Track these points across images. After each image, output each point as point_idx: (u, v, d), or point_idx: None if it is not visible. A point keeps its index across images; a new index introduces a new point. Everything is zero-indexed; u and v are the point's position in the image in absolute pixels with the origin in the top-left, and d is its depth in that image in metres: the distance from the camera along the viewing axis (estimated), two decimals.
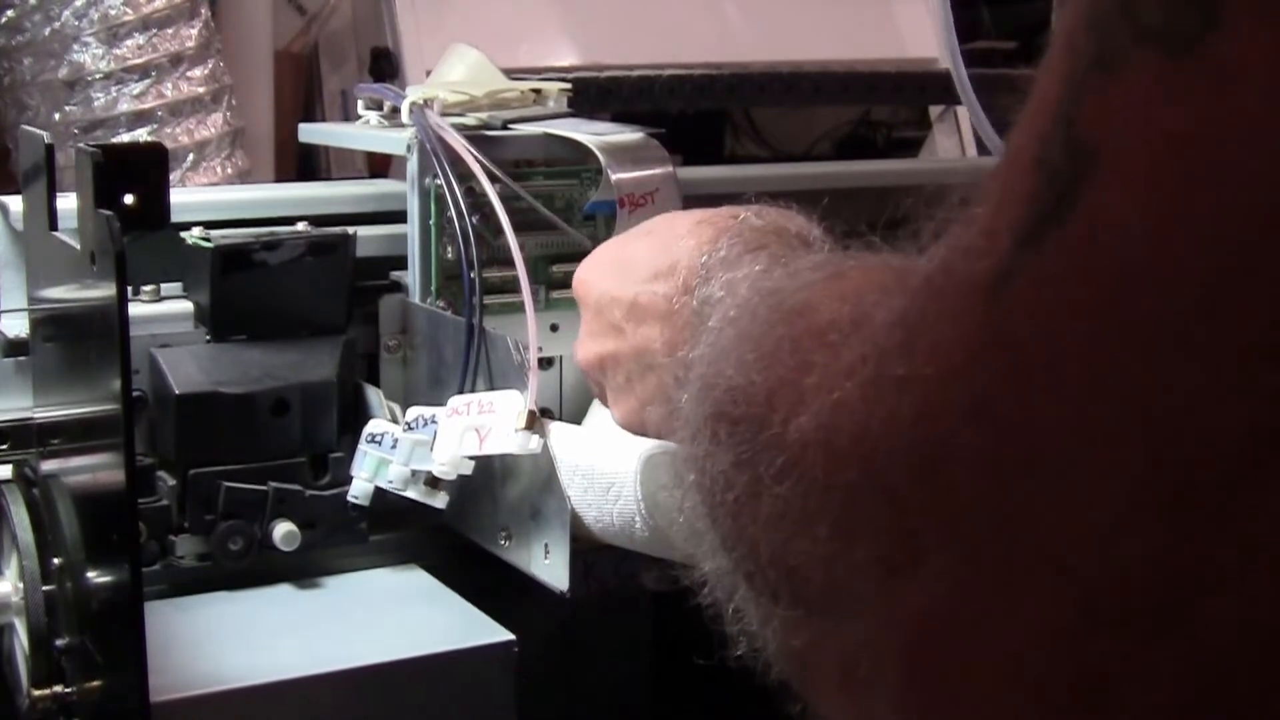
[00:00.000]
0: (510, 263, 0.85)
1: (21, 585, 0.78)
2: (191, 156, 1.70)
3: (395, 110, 0.96)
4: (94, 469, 0.74)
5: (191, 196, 1.03)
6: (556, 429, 0.81)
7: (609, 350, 0.75)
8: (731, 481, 0.42)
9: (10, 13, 1.64)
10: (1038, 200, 0.32)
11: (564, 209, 0.93)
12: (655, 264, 0.70)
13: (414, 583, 0.91)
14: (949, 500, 0.33)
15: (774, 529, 0.40)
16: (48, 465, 0.84)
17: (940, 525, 0.33)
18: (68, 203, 0.78)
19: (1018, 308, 0.32)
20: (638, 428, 0.75)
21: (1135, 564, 0.30)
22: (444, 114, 0.91)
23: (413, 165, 0.90)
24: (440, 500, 0.84)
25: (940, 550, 0.33)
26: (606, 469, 0.76)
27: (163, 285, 0.91)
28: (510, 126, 0.93)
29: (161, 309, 0.90)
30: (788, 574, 0.40)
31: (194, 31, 1.70)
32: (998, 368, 0.32)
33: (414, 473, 0.84)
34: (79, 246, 0.73)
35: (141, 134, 1.65)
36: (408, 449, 0.84)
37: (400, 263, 0.94)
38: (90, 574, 0.74)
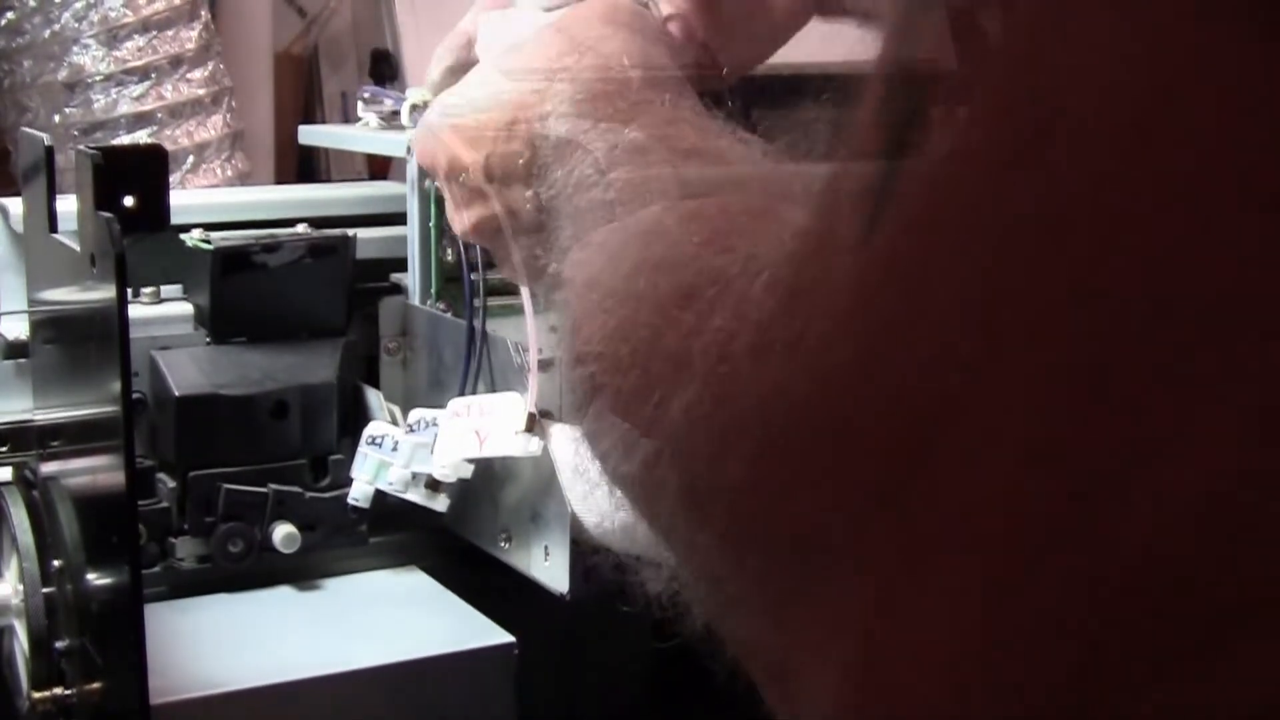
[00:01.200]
0: None
1: (21, 587, 0.78)
2: (191, 158, 1.70)
3: (395, 112, 0.96)
4: (94, 471, 0.74)
5: (191, 198, 1.03)
6: (557, 431, 0.81)
7: (482, 218, 0.71)
8: (618, 460, 0.39)
9: (10, 14, 1.64)
10: (888, 127, 0.31)
11: None
12: (495, 119, 0.66)
13: (414, 585, 0.91)
14: (852, 474, 0.31)
15: (673, 519, 0.37)
16: (48, 467, 0.84)
17: (846, 505, 0.31)
18: (68, 205, 0.78)
19: (887, 256, 0.31)
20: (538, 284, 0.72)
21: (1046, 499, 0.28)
22: None
23: (413, 167, 0.90)
24: (441, 503, 0.84)
25: (851, 534, 0.31)
26: None
27: (163, 287, 0.91)
28: None
29: (161, 311, 0.90)
30: (696, 570, 0.38)
31: (194, 33, 1.70)
32: (881, 316, 0.31)
33: (414, 475, 0.84)
34: (79, 248, 0.73)
35: (141, 136, 1.65)
36: (408, 451, 0.84)
37: (400, 265, 0.94)
38: (90, 576, 0.74)
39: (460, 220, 0.73)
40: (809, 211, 0.34)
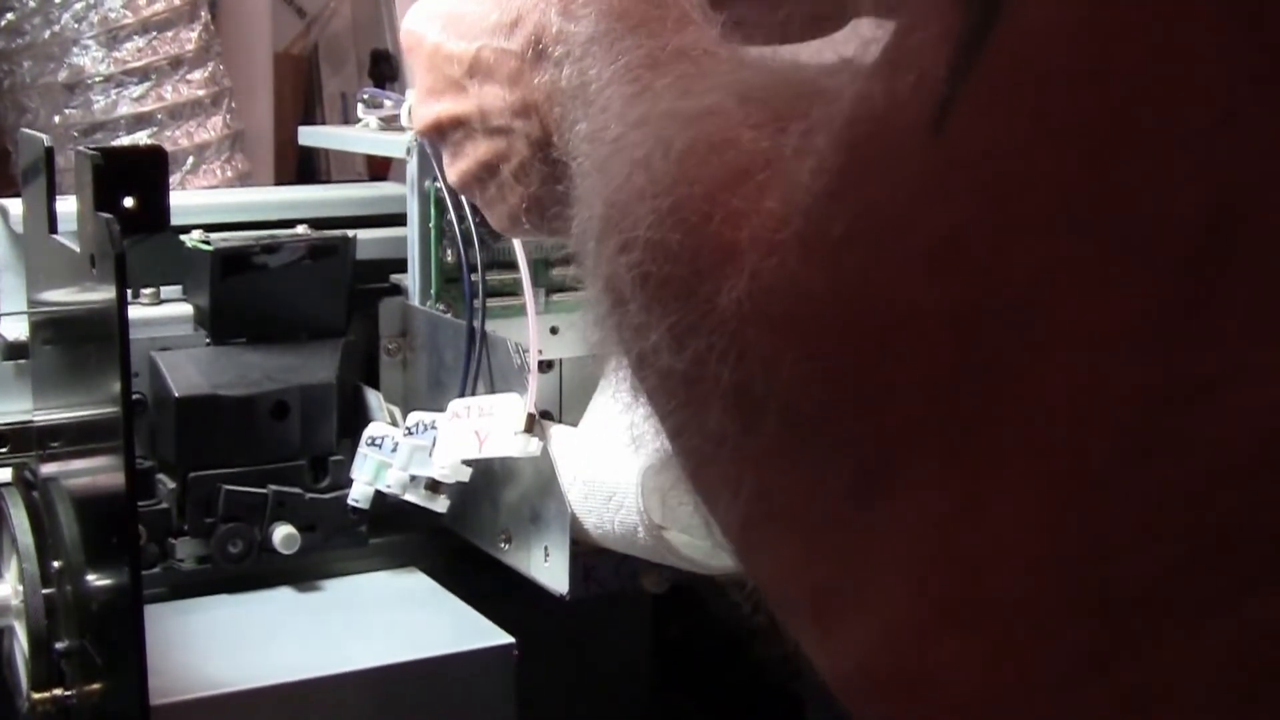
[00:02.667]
0: (509, 265, 0.85)
1: (21, 588, 0.78)
2: (191, 159, 1.70)
3: (395, 113, 0.96)
4: (94, 472, 0.74)
5: (191, 199, 1.03)
6: (557, 432, 0.81)
7: (449, 112, 0.66)
8: (663, 354, 0.36)
9: (10, 15, 1.64)
10: (960, 17, 0.29)
11: None
12: (496, 15, 0.62)
13: (414, 586, 0.91)
14: (920, 376, 0.29)
15: (722, 422, 0.34)
16: (48, 468, 0.84)
17: (912, 408, 0.29)
18: (67, 206, 0.78)
19: (963, 142, 0.29)
20: (471, 191, 0.68)
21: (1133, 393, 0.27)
22: None
23: (413, 168, 0.90)
24: (440, 505, 0.85)
25: (920, 447, 0.30)
26: (608, 478, 0.76)
27: (162, 288, 0.91)
28: None
29: (161, 312, 0.90)
30: (741, 481, 0.35)
31: (194, 34, 1.70)
32: (955, 209, 0.29)
33: (414, 476, 0.84)
34: (79, 249, 0.73)
35: (141, 137, 1.65)
36: (407, 453, 0.84)
37: (400, 266, 0.94)
38: (90, 577, 0.74)
39: (423, 111, 0.67)
40: (864, 91, 0.31)
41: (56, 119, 1.65)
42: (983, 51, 0.28)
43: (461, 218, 0.87)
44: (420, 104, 0.68)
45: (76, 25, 1.64)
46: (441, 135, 0.67)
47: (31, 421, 0.88)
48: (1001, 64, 0.28)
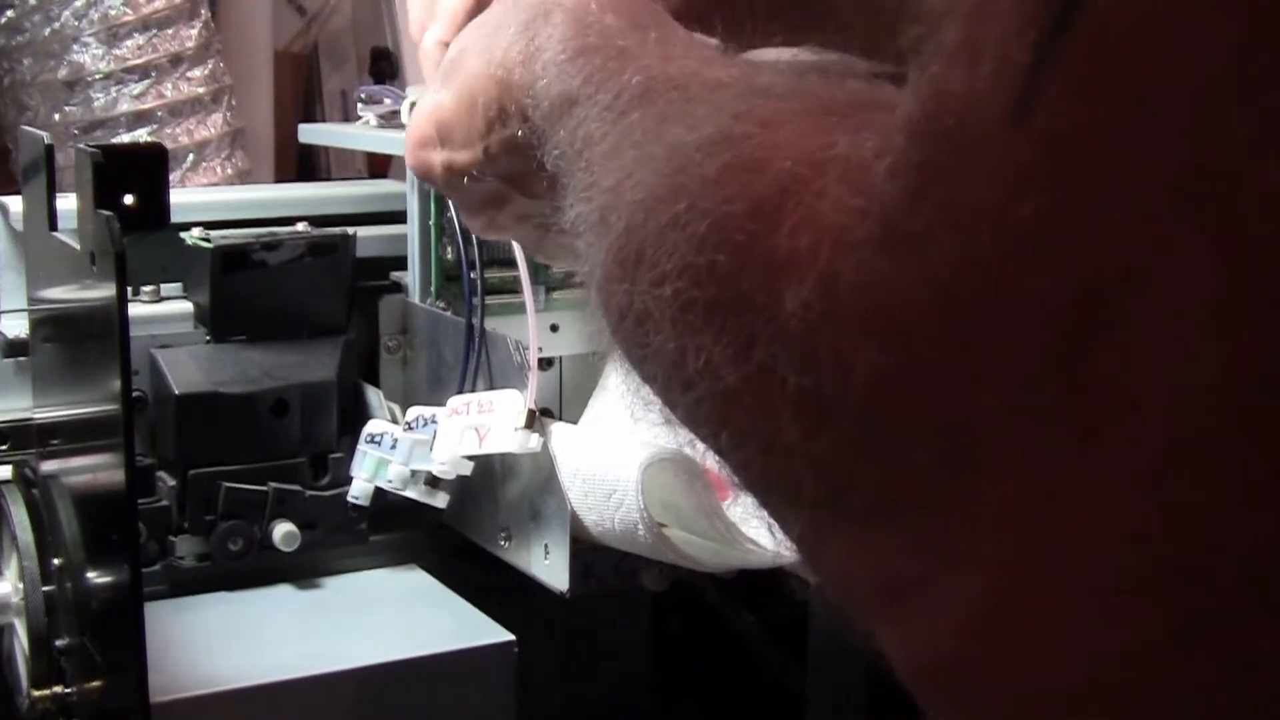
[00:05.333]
0: (509, 263, 0.85)
1: (21, 586, 0.78)
2: (191, 157, 1.71)
3: (395, 110, 0.96)
4: (94, 469, 0.74)
5: (191, 197, 1.03)
6: (557, 429, 0.81)
7: (501, 212, 0.66)
8: (719, 372, 0.36)
9: (10, 13, 1.64)
10: (1040, 5, 0.28)
11: None
12: (480, 117, 0.61)
13: (414, 583, 0.91)
14: (1008, 364, 0.29)
15: (788, 427, 0.34)
16: (47, 466, 0.84)
17: (1003, 397, 0.29)
18: (67, 203, 0.78)
19: (1051, 129, 0.28)
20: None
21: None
22: None
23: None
24: (440, 500, 0.85)
25: (1005, 436, 0.30)
26: (608, 475, 0.76)
27: (162, 286, 0.91)
28: None
29: (161, 309, 0.90)
30: (807, 484, 0.35)
31: (194, 32, 1.70)
32: (1047, 195, 0.28)
33: (414, 472, 0.84)
34: (79, 247, 0.73)
35: (141, 134, 1.65)
36: (407, 449, 0.84)
37: (400, 263, 0.94)
38: (90, 574, 0.74)
39: (477, 224, 0.68)
40: (936, 87, 0.31)
41: (56, 116, 1.65)
42: (1066, 36, 0.28)
43: None
44: (471, 217, 0.68)
45: (77, 23, 1.64)
46: (508, 231, 0.67)
47: (31, 419, 0.88)
48: (1090, 47, 0.28)
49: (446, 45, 0.68)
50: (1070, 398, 0.29)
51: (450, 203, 0.87)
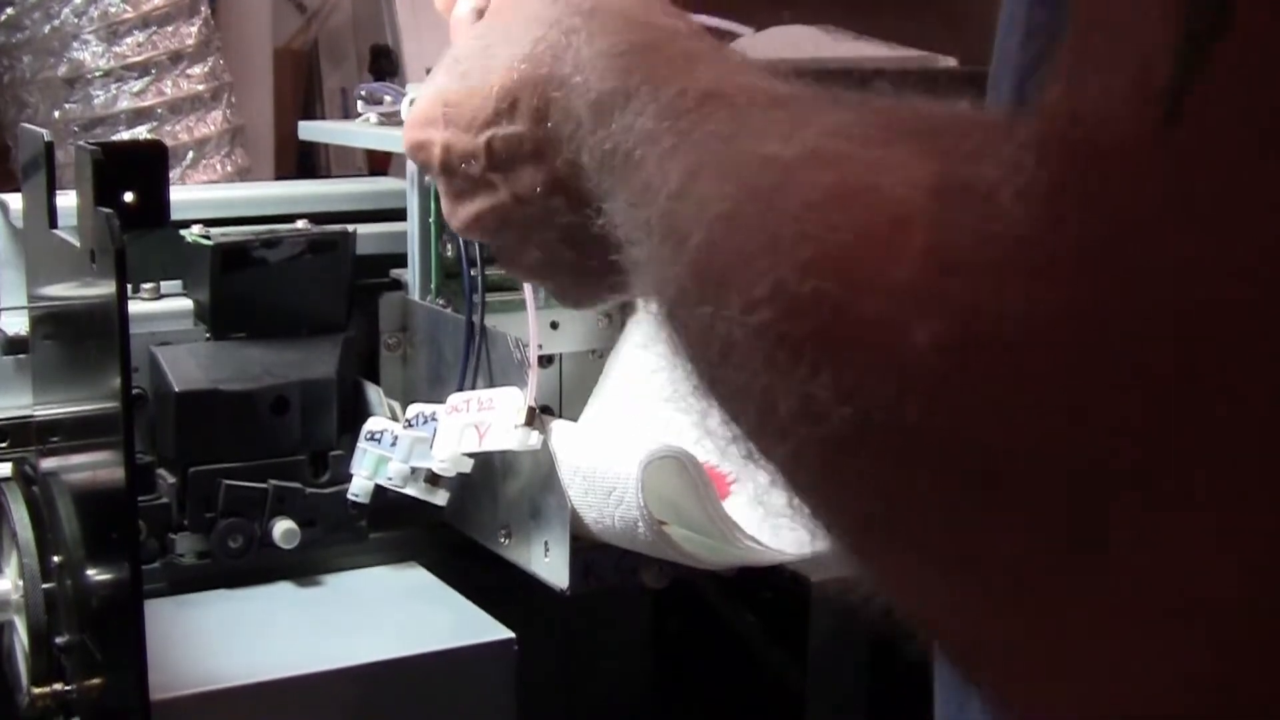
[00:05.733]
0: None
1: (21, 583, 0.78)
2: (191, 154, 1.71)
3: (395, 108, 0.96)
4: (94, 467, 0.74)
5: (191, 194, 1.03)
6: (557, 427, 0.81)
7: (487, 208, 0.64)
8: (825, 414, 0.33)
9: (10, 10, 1.64)
10: (1183, 15, 0.27)
11: None
12: (493, 102, 0.60)
13: (414, 580, 0.91)
14: (1158, 384, 0.28)
15: (898, 469, 0.32)
16: (47, 463, 0.84)
17: (1140, 442, 0.28)
18: (67, 200, 0.78)
19: (1201, 139, 0.27)
20: (531, 275, 0.67)
21: None
22: None
23: (412, 163, 0.90)
24: (440, 497, 0.84)
25: (1146, 453, 0.28)
26: (608, 472, 0.76)
27: (162, 283, 0.91)
28: None
29: (161, 307, 0.90)
30: (905, 525, 0.33)
31: (194, 29, 1.70)
32: (1191, 213, 0.27)
33: (414, 470, 0.84)
34: (79, 244, 0.73)
35: (141, 131, 1.65)
36: (407, 446, 0.84)
37: (400, 260, 0.94)
38: (90, 572, 0.74)
39: (458, 215, 0.66)
40: (1069, 107, 0.29)
41: (56, 114, 1.65)
42: (1212, 51, 0.27)
43: None
44: (450, 209, 0.67)
45: (76, 20, 1.64)
46: (486, 233, 0.66)
47: (31, 416, 0.88)
48: (1235, 63, 0.27)
49: (481, 13, 0.67)
50: (1229, 432, 0.27)
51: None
